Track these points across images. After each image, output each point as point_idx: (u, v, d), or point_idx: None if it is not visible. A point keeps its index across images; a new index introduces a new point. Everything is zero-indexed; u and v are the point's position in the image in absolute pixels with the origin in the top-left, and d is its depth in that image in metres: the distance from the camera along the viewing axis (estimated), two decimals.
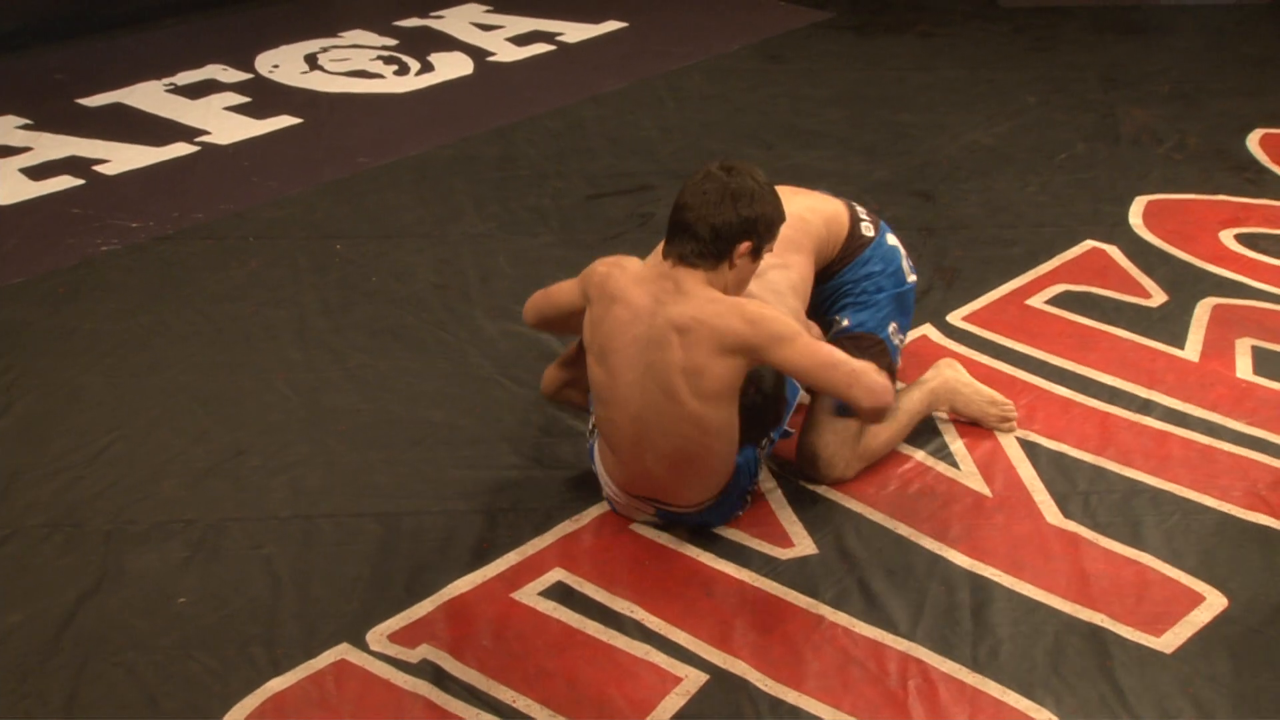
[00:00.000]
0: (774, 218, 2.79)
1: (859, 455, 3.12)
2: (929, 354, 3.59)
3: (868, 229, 3.22)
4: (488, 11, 6.42)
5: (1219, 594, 2.81)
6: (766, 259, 2.85)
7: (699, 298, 2.72)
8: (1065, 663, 2.63)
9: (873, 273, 3.19)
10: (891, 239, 3.26)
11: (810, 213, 3.13)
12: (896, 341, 3.20)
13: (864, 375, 2.76)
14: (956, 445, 3.26)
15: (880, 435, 3.15)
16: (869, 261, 3.19)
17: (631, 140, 5.05)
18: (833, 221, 3.17)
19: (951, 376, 3.31)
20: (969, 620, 2.74)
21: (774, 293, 2.95)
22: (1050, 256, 4.20)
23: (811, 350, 2.73)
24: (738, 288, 2.80)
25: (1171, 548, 2.95)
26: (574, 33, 6.18)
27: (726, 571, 2.85)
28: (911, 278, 3.27)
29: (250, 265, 4.10)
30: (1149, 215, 4.50)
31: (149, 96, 5.31)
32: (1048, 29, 6.38)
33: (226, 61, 5.66)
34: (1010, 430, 3.29)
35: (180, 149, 4.87)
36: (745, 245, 2.74)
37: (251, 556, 2.88)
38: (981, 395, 3.31)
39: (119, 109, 5.22)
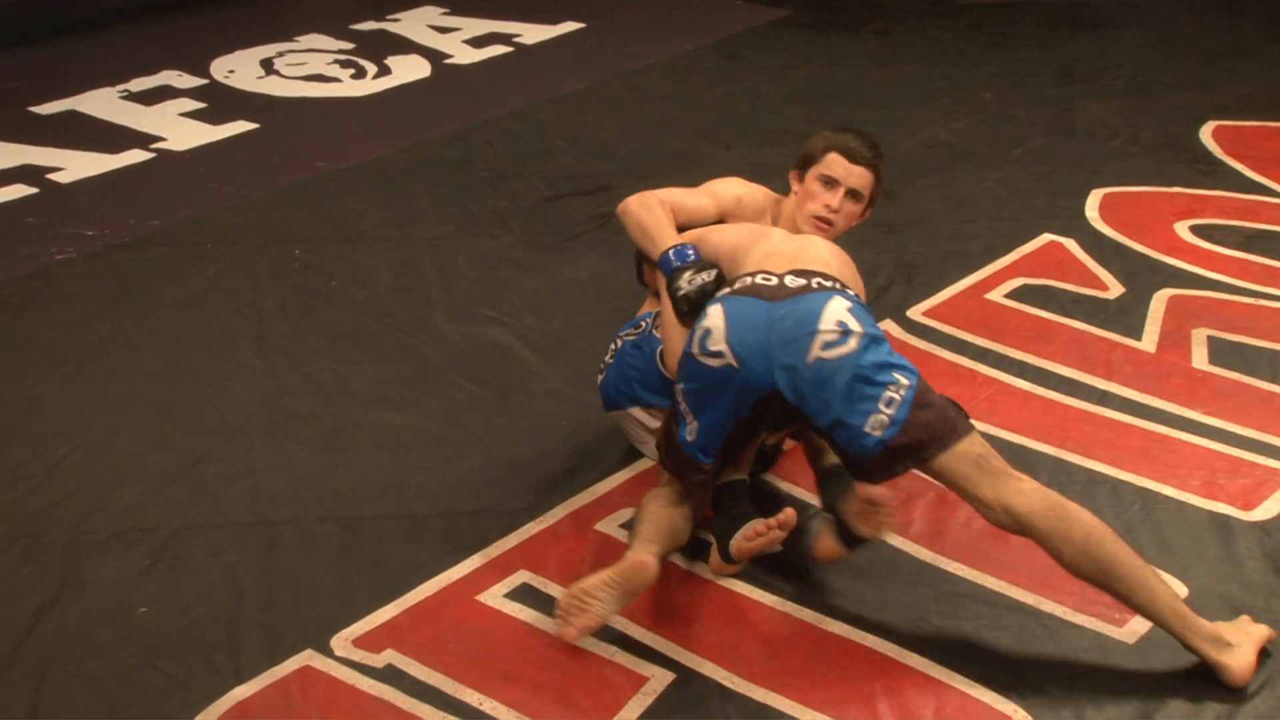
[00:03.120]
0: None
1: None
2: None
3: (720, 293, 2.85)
4: (444, 14, 6.40)
5: (1179, 582, 2.84)
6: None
7: None
8: (1029, 655, 2.65)
9: None
10: (711, 308, 2.74)
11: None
12: (680, 403, 2.78)
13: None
14: None
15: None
16: None
17: (590, 141, 5.05)
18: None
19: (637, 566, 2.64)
20: (934, 614, 2.76)
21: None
22: (1008, 250, 4.23)
23: None
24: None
25: (1132, 537, 2.96)
26: (531, 34, 6.17)
27: (691, 570, 2.85)
28: (694, 348, 2.70)
29: (208, 271, 4.07)
30: (1105, 208, 4.53)
31: (103, 103, 5.27)
32: (1003, 25, 6.43)
33: (181, 67, 5.62)
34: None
35: (135, 156, 4.83)
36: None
37: (213, 564, 2.86)
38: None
39: (72, 116, 5.17)
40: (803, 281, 2.72)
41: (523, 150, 4.96)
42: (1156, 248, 4.26)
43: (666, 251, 2.98)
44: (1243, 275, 4.10)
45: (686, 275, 2.93)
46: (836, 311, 2.64)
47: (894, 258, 4.16)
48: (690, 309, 2.92)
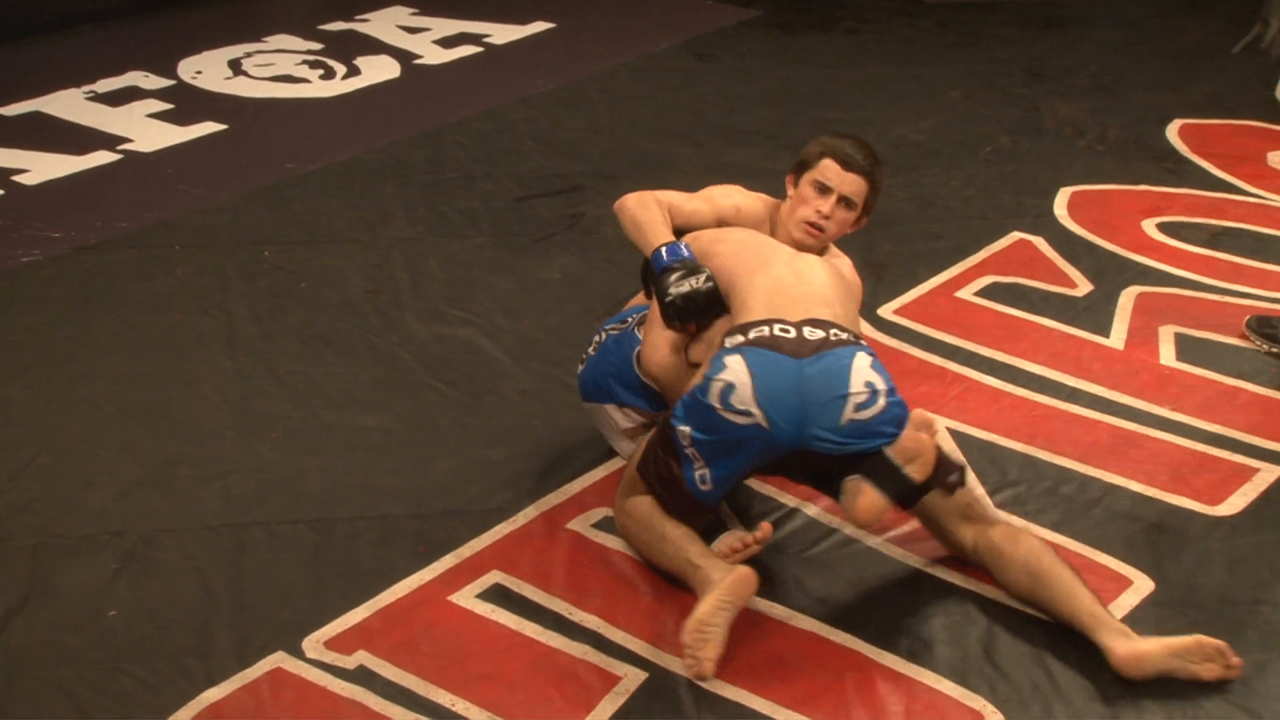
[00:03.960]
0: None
1: (621, 513, 2.88)
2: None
3: (728, 340, 2.77)
4: (414, 14, 6.38)
5: (1146, 577, 2.86)
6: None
7: None
8: (999, 651, 2.66)
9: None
10: (731, 359, 2.68)
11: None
12: (685, 443, 2.71)
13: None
14: None
15: (635, 528, 2.84)
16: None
17: (561, 141, 5.05)
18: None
19: (719, 582, 2.62)
20: (904, 611, 2.77)
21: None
22: (978, 249, 4.25)
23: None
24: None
25: (1100, 533, 3.00)
26: (501, 34, 6.16)
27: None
28: (716, 401, 2.65)
29: (177, 274, 4.05)
30: (1073, 206, 4.57)
31: (69, 105, 5.22)
32: (971, 24, 6.46)
33: (148, 68, 5.58)
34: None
35: (102, 157, 4.79)
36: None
37: (183, 567, 2.84)
38: (695, 615, 2.58)
39: (37, 118, 5.12)
40: (821, 334, 2.72)
41: (493, 151, 4.95)
42: (1124, 245, 4.30)
43: (658, 249, 2.96)
44: (1209, 272, 4.14)
45: (675, 277, 2.88)
46: (862, 370, 2.67)
47: (864, 256, 4.16)
48: (679, 315, 2.89)
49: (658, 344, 2.94)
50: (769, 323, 2.73)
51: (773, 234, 3.12)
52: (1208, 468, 3.22)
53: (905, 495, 2.66)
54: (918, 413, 2.65)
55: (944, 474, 2.69)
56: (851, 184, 3.03)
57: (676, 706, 2.52)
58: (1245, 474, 3.21)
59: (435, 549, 2.89)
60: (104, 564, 2.84)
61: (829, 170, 3.03)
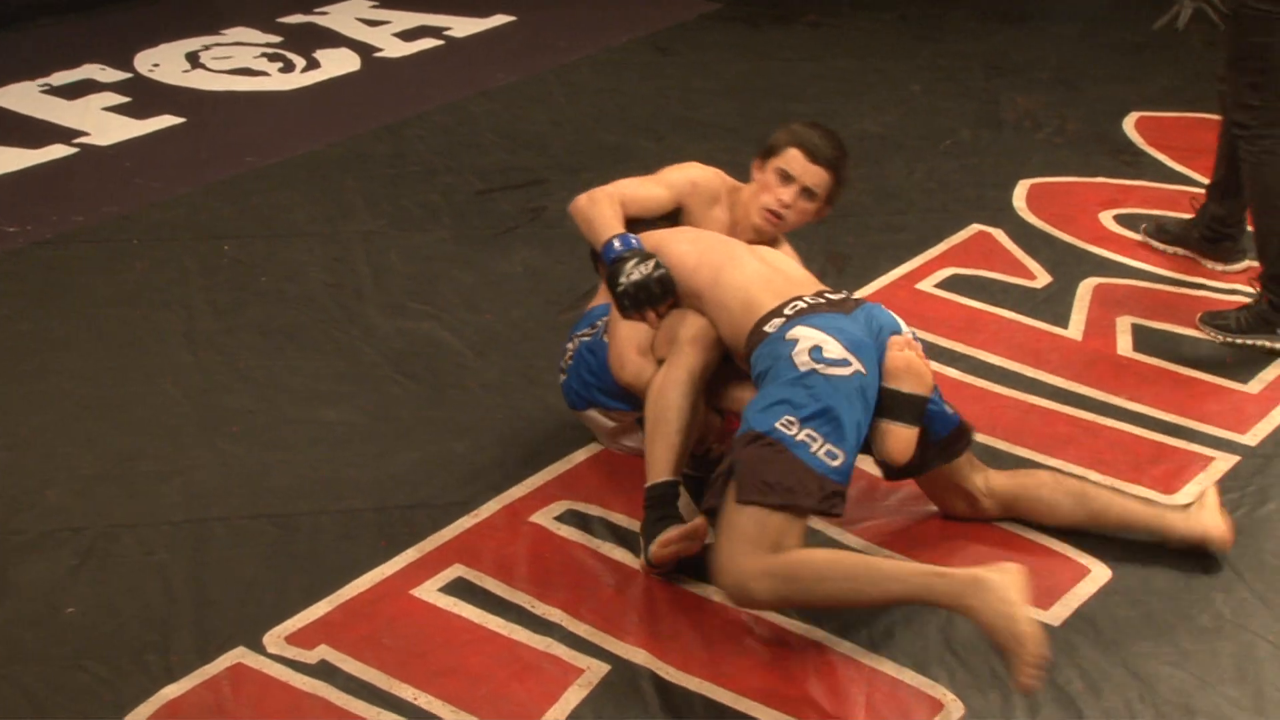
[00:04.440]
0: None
1: (773, 572, 2.53)
2: None
3: (768, 327, 2.76)
4: (373, 7, 6.34)
5: (1104, 566, 2.89)
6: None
7: None
8: (958, 639, 2.68)
9: (759, 374, 2.73)
10: (795, 331, 2.69)
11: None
12: (793, 433, 2.57)
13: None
14: None
15: (817, 574, 2.54)
16: (756, 362, 2.76)
17: (522, 135, 5.04)
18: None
19: (998, 581, 2.42)
20: None
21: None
22: (938, 241, 4.28)
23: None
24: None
25: None
26: (462, 27, 6.14)
27: (625, 561, 2.86)
28: (812, 364, 2.61)
29: (136, 268, 4.02)
30: (1032, 198, 4.60)
31: (23, 98, 5.17)
32: (933, 18, 6.49)
33: (104, 61, 5.53)
34: (1026, 687, 2.39)
35: (58, 151, 4.75)
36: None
37: (143, 563, 2.83)
38: (1013, 621, 2.37)
39: None
40: (841, 295, 2.84)
41: (454, 144, 4.94)
42: (1082, 237, 4.33)
43: (609, 241, 2.95)
44: (1164, 264, 4.18)
45: (627, 267, 2.89)
46: (895, 315, 2.81)
47: (825, 249, 4.19)
48: (633, 304, 2.89)
49: (624, 351, 2.94)
50: (792, 301, 2.78)
51: (730, 213, 3.13)
52: (1164, 457, 3.26)
53: (923, 419, 2.72)
54: (891, 338, 2.73)
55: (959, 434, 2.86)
56: (815, 175, 3.05)
57: (640, 698, 2.53)
58: (1200, 463, 3.24)
59: (397, 543, 2.89)
60: (63, 560, 2.82)
61: (794, 160, 3.05)
